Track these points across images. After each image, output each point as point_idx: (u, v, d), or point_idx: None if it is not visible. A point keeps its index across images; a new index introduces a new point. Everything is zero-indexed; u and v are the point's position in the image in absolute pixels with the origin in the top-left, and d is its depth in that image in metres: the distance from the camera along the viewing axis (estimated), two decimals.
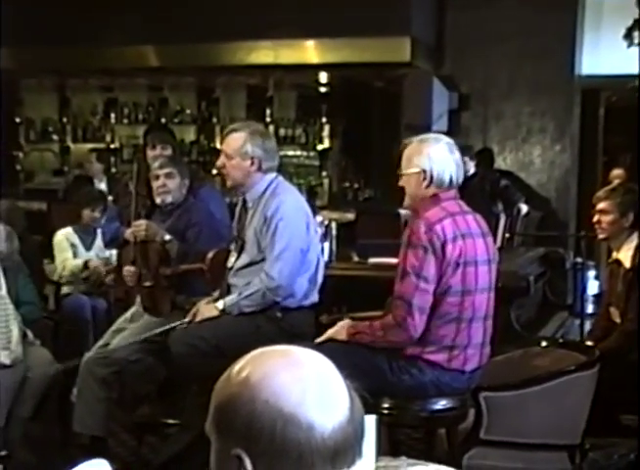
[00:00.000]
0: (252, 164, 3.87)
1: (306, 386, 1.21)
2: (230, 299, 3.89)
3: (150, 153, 5.06)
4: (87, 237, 6.07)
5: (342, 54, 8.52)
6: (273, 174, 3.96)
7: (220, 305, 3.90)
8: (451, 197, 3.40)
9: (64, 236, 6.04)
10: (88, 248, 6.04)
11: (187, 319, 3.99)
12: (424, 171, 3.35)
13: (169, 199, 4.51)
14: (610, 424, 3.75)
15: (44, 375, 4.52)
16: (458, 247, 3.27)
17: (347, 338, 3.39)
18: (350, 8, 8.28)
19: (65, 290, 5.99)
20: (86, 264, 5.86)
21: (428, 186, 3.36)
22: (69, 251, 5.98)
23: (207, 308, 3.94)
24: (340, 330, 3.45)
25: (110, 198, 6.62)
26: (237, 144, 3.88)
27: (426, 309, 3.26)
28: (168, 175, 4.48)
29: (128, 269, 4.50)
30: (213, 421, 1.24)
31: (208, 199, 4.95)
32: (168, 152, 5.08)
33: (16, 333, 4.42)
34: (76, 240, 6.04)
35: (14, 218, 5.51)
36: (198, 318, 3.94)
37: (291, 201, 3.90)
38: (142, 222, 4.37)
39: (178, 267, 4.24)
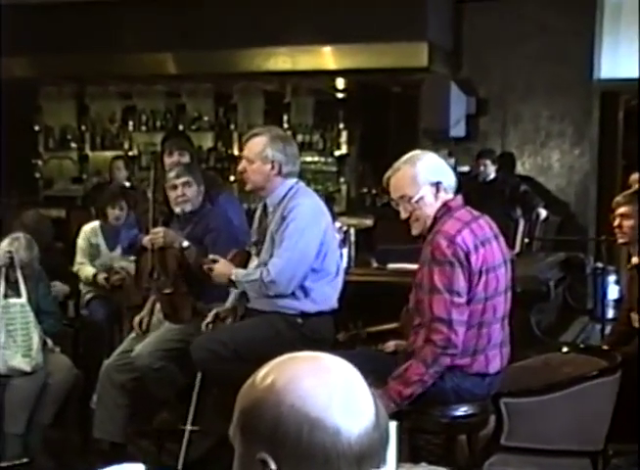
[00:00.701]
0: (273, 168, 3.88)
1: (332, 391, 1.21)
2: (240, 273, 3.90)
3: (167, 160, 5.07)
4: (112, 237, 5.91)
5: (359, 59, 8.51)
6: (294, 180, 3.96)
7: (234, 275, 3.89)
8: (460, 204, 3.39)
9: (86, 235, 5.91)
10: (112, 248, 5.91)
11: (206, 266, 3.98)
12: (424, 188, 3.32)
13: (189, 207, 4.53)
14: (633, 430, 3.72)
15: (64, 381, 4.54)
16: (480, 255, 3.26)
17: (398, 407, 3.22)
18: (367, 13, 8.29)
19: (87, 296, 5.90)
20: (95, 277, 5.75)
21: (436, 198, 3.34)
22: (86, 254, 5.87)
23: (225, 266, 3.94)
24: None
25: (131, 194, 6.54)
26: (258, 148, 3.89)
27: (464, 322, 3.22)
28: (186, 184, 4.50)
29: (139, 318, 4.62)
30: (238, 425, 1.24)
31: (227, 205, 4.97)
32: (186, 159, 5.10)
33: (36, 340, 4.44)
34: (100, 239, 5.91)
35: (42, 228, 5.52)
36: (214, 272, 3.94)
37: (308, 204, 3.90)
38: (160, 229, 4.39)
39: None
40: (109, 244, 5.91)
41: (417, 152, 3.47)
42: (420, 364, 3.21)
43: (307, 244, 3.83)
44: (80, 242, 5.91)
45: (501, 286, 3.35)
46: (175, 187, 4.49)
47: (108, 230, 5.91)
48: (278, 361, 1.27)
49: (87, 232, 5.92)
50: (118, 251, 5.88)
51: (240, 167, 3.98)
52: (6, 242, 4.59)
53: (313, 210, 3.90)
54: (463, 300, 3.22)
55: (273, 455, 1.19)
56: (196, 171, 4.72)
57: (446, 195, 3.35)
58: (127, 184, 8.19)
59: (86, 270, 5.81)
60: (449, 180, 3.37)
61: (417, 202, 3.32)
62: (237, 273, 3.90)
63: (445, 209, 3.34)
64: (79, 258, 5.87)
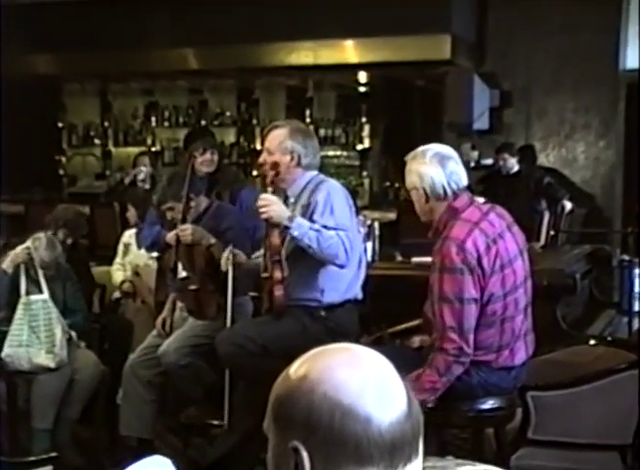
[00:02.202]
0: (292, 159, 3.91)
1: (365, 381, 1.23)
2: (303, 220, 3.74)
3: (200, 158, 5.11)
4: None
5: (381, 53, 8.50)
6: (314, 172, 3.98)
7: (290, 220, 3.71)
8: (466, 203, 3.34)
9: (124, 237, 6.00)
10: (140, 247, 5.83)
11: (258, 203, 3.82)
12: (417, 189, 3.36)
13: (203, 205, 4.58)
14: None
15: (91, 378, 4.58)
16: (493, 254, 3.23)
17: None
18: (389, 6, 8.26)
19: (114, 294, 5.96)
20: (122, 284, 5.79)
21: (427, 201, 3.35)
22: (120, 256, 5.94)
23: (280, 208, 3.80)
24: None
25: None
26: (277, 140, 3.92)
27: (473, 327, 3.23)
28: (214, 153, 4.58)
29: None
30: (272, 414, 1.26)
31: (250, 200, 4.98)
32: (216, 157, 5.16)
33: (59, 336, 4.48)
34: (132, 238, 5.95)
35: (78, 224, 5.54)
36: (265, 209, 3.75)
37: (338, 189, 3.94)
38: (188, 226, 4.40)
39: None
40: (138, 242, 5.89)
41: (422, 150, 3.42)
42: (433, 372, 3.22)
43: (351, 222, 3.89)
44: (120, 244, 6.02)
45: (519, 278, 3.33)
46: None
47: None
48: (312, 353, 1.29)
49: (126, 234, 6.04)
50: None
51: (260, 160, 4.01)
52: (28, 243, 4.63)
53: (343, 196, 3.93)
54: (474, 305, 3.21)
55: (305, 443, 1.20)
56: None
57: (437, 200, 3.34)
58: (149, 181, 8.23)
59: (116, 275, 5.91)
60: (435, 188, 3.33)
61: (413, 194, 3.39)
62: (298, 219, 3.73)
63: (451, 212, 3.31)
64: (118, 258, 5.97)
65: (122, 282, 5.81)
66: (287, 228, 3.73)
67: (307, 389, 1.22)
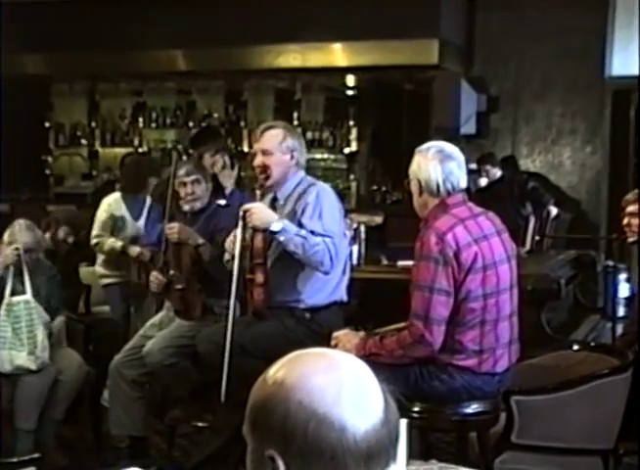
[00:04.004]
0: (292, 158, 3.93)
1: (341, 388, 1.22)
2: (290, 225, 3.74)
3: (210, 159, 5.11)
4: (135, 207, 5.65)
5: (369, 56, 8.53)
6: (303, 172, 4.02)
7: (280, 222, 3.73)
8: (459, 201, 3.39)
9: (109, 207, 5.63)
10: (137, 217, 5.65)
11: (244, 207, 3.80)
12: (415, 180, 3.40)
13: (198, 205, 4.54)
14: None
15: (75, 378, 4.57)
16: (473, 252, 3.27)
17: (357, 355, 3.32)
18: (378, 10, 8.29)
19: (103, 281, 5.67)
20: (124, 250, 5.47)
21: (421, 194, 3.38)
22: (108, 227, 5.57)
23: (266, 211, 3.79)
24: (348, 348, 3.39)
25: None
26: (277, 139, 3.92)
27: (443, 321, 3.27)
28: (195, 181, 4.50)
29: (155, 276, 4.52)
30: (249, 421, 1.26)
31: (239, 202, 4.97)
32: (226, 158, 5.19)
33: (41, 338, 4.45)
34: (124, 210, 5.65)
35: (78, 223, 5.48)
36: (250, 217, 3.74)
37: (328, 192, 3.96)
38: (175, 225, 4.40)
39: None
40: (133, 214, 5.67)
41: (427, 146, 3.46)
42: (395, 341, 3.34)
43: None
44: (101, 214, 5.63)
45: (504, 283, 3.36)
46: (185, 184, 4.50)
47: (130, 200, 5.69)
48: (289, 358, 1.28)
49: (110, 204, 5.69)
50: (142, 221, 5.56)
51: (258, 162, 3.94)
52: (7, 232, 4.60)
53: (333, 198, 3.96)
54: (445, 298, 3.25)
55: (282, 452, 1.20)
56: (204, 169, 4.73)
57: (430, 196, 3.37)
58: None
59: (111, 243, 5.56)
60: (430, 183, 3.37)
61: (412, 185, 3.43)
62: (285, 222, 3.74)
63: (443, 206, 3.36)
64: (98, 230, 5.60)
65: (123, 247, 5.50)
66: (273, 233, 3.74)
67: (283, 396, 1.21)
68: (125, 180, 6.05)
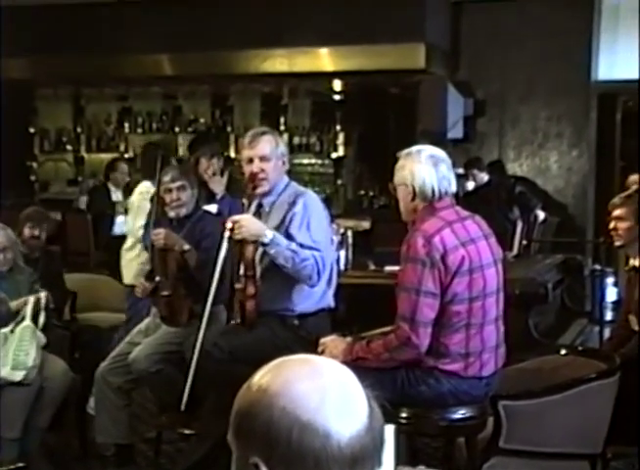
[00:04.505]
0: (284, 163, 3.97)
1: (325, 394, 1.22)
2: (280, 238, 3.74)
3: (205, 163, 5.09)
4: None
5: (356, 61, 8.53)
6: (286, 178, 4.03)
7: (270, 233, 3.72)
8: (447, 205, 3.41)
9: (146, 195, 5.31)
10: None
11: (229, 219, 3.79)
12: (406, 185, 3.39)
13: (184, 211, 4.53)
14: (632, 433, 3.73)
15: (60, 386, 4.53)
16: (460, 255, 3.28)
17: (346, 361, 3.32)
18: (364, 15, 8.30)
19: (128, 280, 5.52)
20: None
21: (413, 199, 3.39)
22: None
23: (256, 223, 3.79)
24: (335, 353, 3.40)
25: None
26: (272, 145, 3.92)
27: (429, 323, 3.27)
28: (181, 188, 4.49)
29: (141, 282, 4.51)
30: (233, 429, 1.25)
31: (228, 207, 4.97)
32: (221, 163, 5.18)
33: (33, 357, 4.40)
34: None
35: (41, 218, 5.42)
36: (239, 230, 3.72)
37: (315, 202, 3.96)
38: (161, 231, 4.38)
39: None
40: None
41: (417, 149, 3.46)
42: (381, 344, 3.34)
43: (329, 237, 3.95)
44: (141, 203, 5.41)
45: (490, 286, 3.37)
46: (170, 191, 4.49)
47: None
48: (273, 365, 1.28)
49: (142, 192, 5.51)
50: None
51: (255, 169, 3.90)
52: None
53: (320, 206, 3.96)
54: (431, 300, 3.25)
55: (266, 459, 1.20)
56: (190, 175, 4.72)
57: (423, 201, 3.37)
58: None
59: (131, 267, 5.51)
60: (424, 188, 3.37)
61: (400, 190, 3.43)
62: (276, 234, 3.73)
63: (430, 209, 3.37)
64: (142, 220, 5.22)
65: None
66: (263, 245, 3.74)
67: (267, 403, 1.21)
68: (144, 167, 5.98)
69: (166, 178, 4.52)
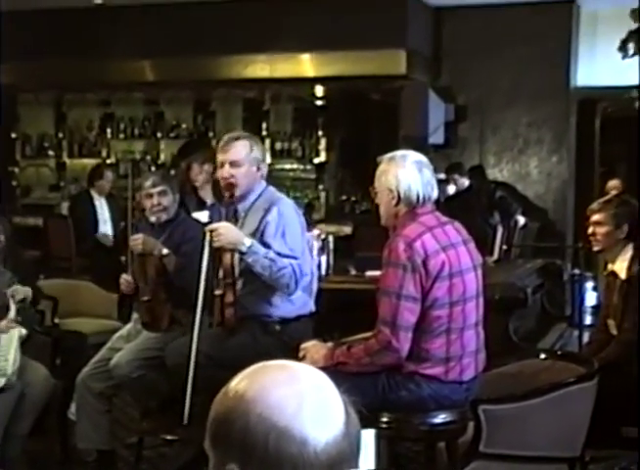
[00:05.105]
0: (258, 169, 3.93)
1: (302, 400, 1.22)
2: (258, 246, 3.74)
3: (197, 168, 5.07)
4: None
5: (338, 67, 8.56)
6: (263, 184, 4.01)
7: (248, 241, 3.73)
8: (428, 211, 3.42)
9: None
10: None
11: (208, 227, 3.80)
12: (391, 190, 3.39)
13: (165, 217, 4.52)
14: (610, 436, 3.75)
15: (41, 391, 4.51)
16: (440, 260, 3.29)
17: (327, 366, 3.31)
18: (346, 20, 8.33)
19: None
20: None
21: (397, 204, 3.40)
22: None
23: (234, 230, 3.79)
24: (316, 359, 3.41)
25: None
26: (245, 150, 3.90)
27: (410, 327, 3.29)
28: (162, 193, 4.49)
29: (125, 278, 4.49)
30: (210, 436, 1.25)
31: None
32: (211, 170, 5.19)
33: (12, 362, 4.36)
34: None
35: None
36: (217, 238, 3.73)
37: (290, 209, 3.94)
38: (139, 236, 4.38)
39: None
40: None
41: (402, 154, 3.47)
42: (362, 349, 3.34)
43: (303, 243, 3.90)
44: None
45: (470, 291, 3.39)
46: (151, 196, 4.48)
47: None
48: (250, 371, 1.28)
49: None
50: None
51: (225, 174, 3.90)
52: None
53: (293, 213, 3.94)
54: (412, 305, 3.27)
55: (242, 466, 1.20)
56: (171, 180, 4.72)
57: (407, 206, 3.38)
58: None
59: None
60: (410, 193, 3.38)
61: (383, 196, 3.43)
62: (253, 242, 3.74)
63: (411, 215, 3.38)
64: None
65: None
66: (241, 253, 3.74)
67: (243, 409, 1.21)
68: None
69: (147, 183, 4.51)
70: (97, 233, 7.93)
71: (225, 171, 3.90)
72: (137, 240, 4.36)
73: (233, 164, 3.88)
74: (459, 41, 8.95)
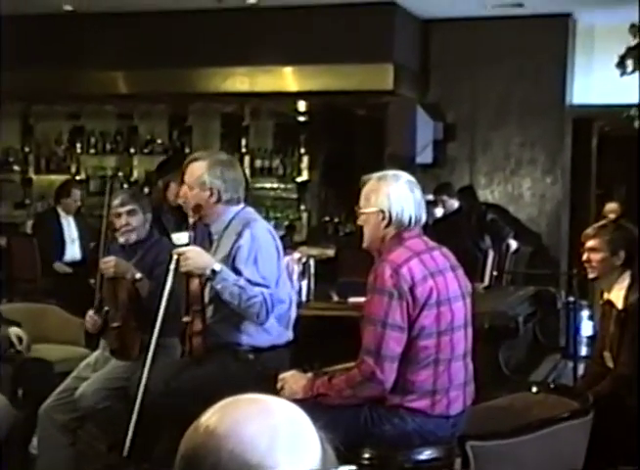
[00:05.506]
0: (212, 194, 3.90)
1: (275, 436, 1.21)
2: (227, 272, 3.73)
3: (175, 189, 5.06)
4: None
5: (321, 81, 8.58)
6: (239, 206, 3.98)
7: (218, 267, 3.72)
8: (415, 235, 3.43)
9: None
10: None
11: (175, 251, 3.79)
12: (382, 211, 3.39)
13: (134, 237, 4.52)
14: None
15: (1, 424, 4.46)
16: (428, 287, 3.30)
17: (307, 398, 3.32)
18: (330, 33, 8.36)
19: None
20: None
21: (387, 226, 3.40)
22: None
23: (202, 255, 3.78)
24: (295, 390, 3.40)
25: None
26: (196, 174, 3.91)
27: (395, 358, 3.28)
28: (131, 212, 4.48)
29: (91, 315, 4.49)
30: None
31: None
32: None
33: None
34: None
35: None
36: (184, 262, 3.74)
37: (263, 233, 3.91)
38: (111, 259, 4.36)
39: None
40: None
41: (393, 174, 3.49)
42: (344, 380, 3.33)
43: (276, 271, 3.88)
44: None
45: (458, 320, 3.39)
46: (119, 215, 4.47)
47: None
48: (221, 405, 1.27)
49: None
50: None
51: (181, 193, 3.99)
52: None
53: (266, 238, 3.91)
54: (398, 334, 3.26)
55: None
56: (142, 199, 4.71)
57: (397, 229, 3.39)
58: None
59: None
60: (403, 215, 3.39)
61: (371, 217, 3.41)
62: (224, 269, 3.73)
63: (398, 239, 3.38)
64: None
65: None
66: (209, 279, 3.75)
67: (214, 445, 1.20)
68: None
69: (116, 202, 4.51)
70: (63, 255, 7.88)
71: (181, 191, 3.98)
72: (109, 263, 4.34)
73: (187, 185, 3.93)
74: (448, 55, 9.00)
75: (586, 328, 7.16)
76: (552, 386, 4.23)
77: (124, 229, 4.48)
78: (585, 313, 7.36)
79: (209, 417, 1.25)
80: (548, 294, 6.23)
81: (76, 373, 4.54)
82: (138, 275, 4.34)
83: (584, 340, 6.61)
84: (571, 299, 5.67)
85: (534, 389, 3.83)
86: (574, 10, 8.72)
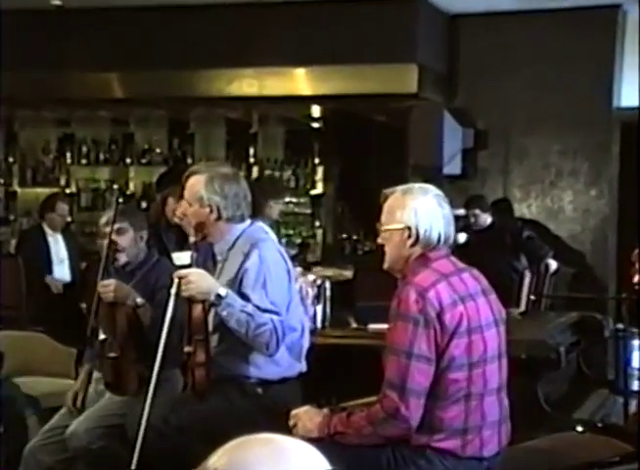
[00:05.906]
0: (211, 211, 3.92)
1: None
2: (234, 298, 3.74)
3: (174, 205, 5.07)
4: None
5: (337, 84, 8.60)
6: (244, 224, 3.99)
7: (223, 291, 3.73)
8: (442, 255, 3.41)
9: None
10: None
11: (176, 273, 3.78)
12: (408, 228, 3.38)
13: (123, 258, 4.53)
14: None
15: None
16: (458, 313, 3.28)
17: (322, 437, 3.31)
18: (347, 31, 8.38)
19: None
20: None
21: (413, 245, 3.39)
22: None
23: (205, 277, 3.79)
24: (309, 428, 3.39)
25: None
26: (194, 189, 3.94)
27: (422, 392, 3.26)
28: (119, 231, 4.48)
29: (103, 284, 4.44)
30: None
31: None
32: None
33: None
34: None
35: None
36: (186, 286, 3.73)
37: (272, 254, 3.92)
38: (111, 282, 4.36)
39: None
40: None
41: (420, 187, 3.48)
42: (364, 417, 3.31)
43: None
44: None
45: (492, 350, 3.37)
46: (105, 235, 4.47)
47: None
48: (231, 445, 1.28)
49: None
50: None
51: (180, 210, 4.01)
52: None
53: (275, 259, 3.91)
54: (425, 365, 3.24)
55: None
56: (134, 215, 4.72)
57: (423, 248, 3.37)
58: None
59: None
60: (431, 232, 3.38)
61: (395, 234, 3.40)
62: (230, 293, 3.74)
63: (423, 260, 3.37)
64: None
65: None
66: (213, 304, 3.75)
67: None
68: None
69: (102, 220, 4.52)
70: (50, 275, 7.90)
71: (180, 207, 4.03)
72: (109, 286, 4.34)
73: (186, 200, 3.96)
74: (478, 54, 8.99)
75: (638, 359, 7.11)
76: (599, 425, 4.21)
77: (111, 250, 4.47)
78: (636, 343, 7.30)
79: (218, 459, 1.26)
80: (593, 320, 6.20)
81: (65, 409, 4.54)
82: (139, 300, 4.34)
83: (636, 373, 6.56)
84: (620, 326, 5.62)
85: (579, 428, 3.81)
86: (624, 1, 8.68)
